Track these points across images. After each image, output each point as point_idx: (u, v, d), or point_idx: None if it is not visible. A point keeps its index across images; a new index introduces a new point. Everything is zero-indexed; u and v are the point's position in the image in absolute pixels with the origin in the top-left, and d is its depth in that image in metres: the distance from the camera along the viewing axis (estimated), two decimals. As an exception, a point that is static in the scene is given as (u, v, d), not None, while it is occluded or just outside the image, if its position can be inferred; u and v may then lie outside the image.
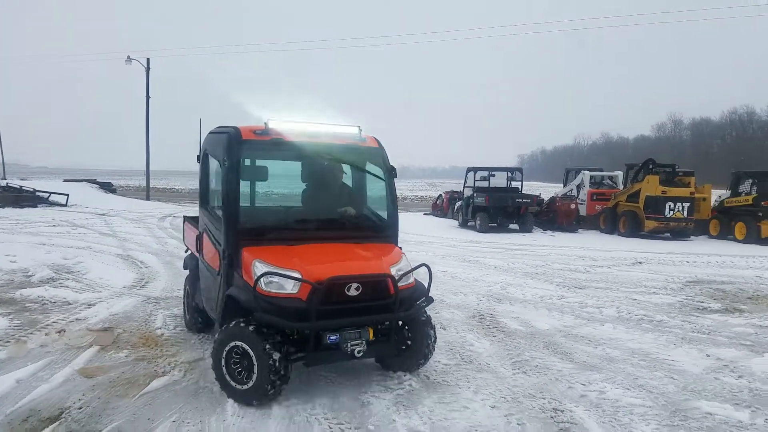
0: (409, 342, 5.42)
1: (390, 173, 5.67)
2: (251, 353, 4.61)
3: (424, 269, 5.28)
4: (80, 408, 4.64)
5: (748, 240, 18.83)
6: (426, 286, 5.35)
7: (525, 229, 20.52)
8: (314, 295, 4.55)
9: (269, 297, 4.60)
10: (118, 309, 7.83)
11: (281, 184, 6.16)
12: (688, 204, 19.28)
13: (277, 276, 4.63)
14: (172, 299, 8.52)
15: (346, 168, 5.91)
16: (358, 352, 4.73)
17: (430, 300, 5.37)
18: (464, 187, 22.52)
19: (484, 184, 21.53)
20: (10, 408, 4.59)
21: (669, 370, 5.98)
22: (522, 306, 8.67)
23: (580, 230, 21.64)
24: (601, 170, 26.39)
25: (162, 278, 10.22)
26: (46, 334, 6.56)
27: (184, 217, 7.56)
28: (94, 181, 39.66)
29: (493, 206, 20.35)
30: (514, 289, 9.89)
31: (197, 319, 6.62)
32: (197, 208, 6.37)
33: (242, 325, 4.69)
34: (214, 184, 5.73)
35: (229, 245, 4.97)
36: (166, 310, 7.84)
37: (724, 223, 20.19)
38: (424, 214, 29.05)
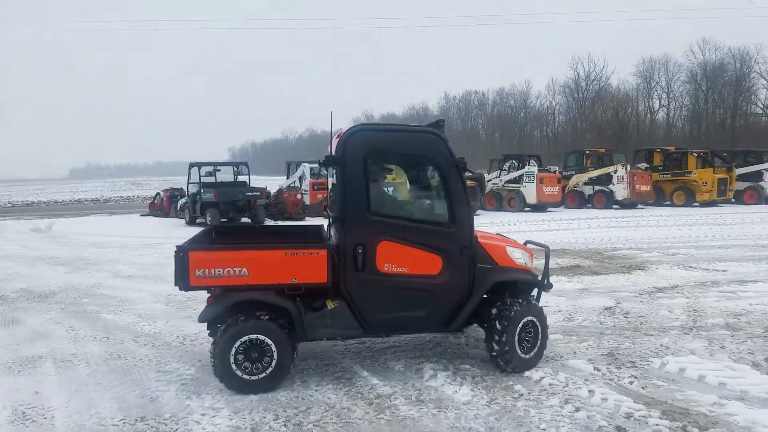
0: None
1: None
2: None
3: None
4: None
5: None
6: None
7: (257, 221, 21.19)
8: None
9: None
10: None
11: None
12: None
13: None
14: None
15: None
16: None
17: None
18: (188, 183, 22.12)
19: (211, 179, 21.57)
20: None
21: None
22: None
23: (307, 218, 23.20)
24: (318, 162, 28.44)
25: None
26: None
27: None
28: None
29: (223, 201, 20.54)
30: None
31: None
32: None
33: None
34: (398, 187, 5.67)
35: (470, 242, 5.26)
36: None
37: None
38: (142, 215, 27.25)
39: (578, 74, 69.93)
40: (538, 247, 6.12)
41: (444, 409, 4.61)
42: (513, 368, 5.33)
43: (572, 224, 18.31)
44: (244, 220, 21.50)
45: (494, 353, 5.35)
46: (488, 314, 5.38)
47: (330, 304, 5.09)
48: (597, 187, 25.03)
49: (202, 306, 5.07)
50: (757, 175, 24.89)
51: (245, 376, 4.93)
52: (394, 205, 5.60)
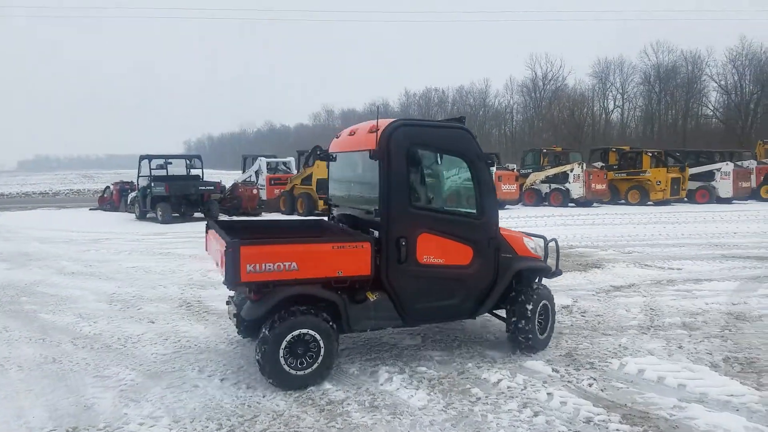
0: None
1: None
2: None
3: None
4: None
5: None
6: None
7: (210, 216, 20.61)
8: None
9: None
10: None
11: None
12: (352, 183, 21.96)
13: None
14: None
15: None
16: None
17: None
18: (138, 176, 21.37)
19: (162, 172, 20.90)
20: None
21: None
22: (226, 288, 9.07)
23: (263, 214, 22.73)
24: (275, 156, 28.01)
25: None
26: None
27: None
28: None
29: (175, 195, 19.92)
30: (215, 274, 10.19)
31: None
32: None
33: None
34: (434, 181, 5.74)
35: (496, 233, 5.63)
36: None
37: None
38: (91, 209, 26.37)
39: (536, 74, 71.00)
40: (538, 238, 6.27)
41: (399, 416, 4.39)
42: (533, 346, 5.71)
43: (529, 222, 18.38)
44: (197, 215, 20.93)
45: (519, 335, 5.69)
46: (511, 300, 5.74)
47: (371, 296, 5.20)
48: (554, 186, 25.28)
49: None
50: (709, 175, 25.54)
51: (293, 372, 4.89)
52: (432, 198, 5.68)
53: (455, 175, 5.82)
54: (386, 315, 5.22)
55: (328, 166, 6.65)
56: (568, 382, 5.03)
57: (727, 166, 25.10)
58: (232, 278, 4.69)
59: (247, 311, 5.01)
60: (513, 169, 26.65)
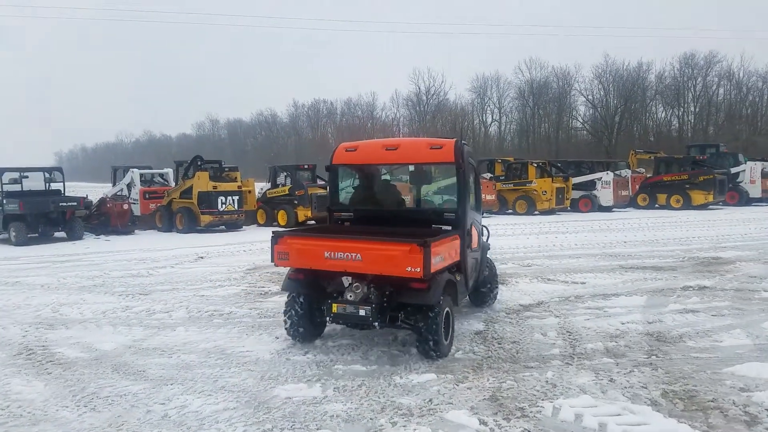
0: None
1: None
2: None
3: None
4: None
5: (289, 225, 21.19)
6: None
7: (74, 236, 18.29)
8: None
9: None
10: None
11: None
12: (237, 197, 20.48)
13: None
14: None
15: None
16: None
17: None
18: (-12, 192, 18.57)
19: (16, 187, 18.26)
20: None
21: (246, 362, 6.00)
22: (81, 327, 7.51)
23: (136, 231, 20.57)
24: (150, 168, 25.68)
25: None
26: None
27: None
28: None
29: (31, 213, 17.42)
30: (70, 309, 8.53)
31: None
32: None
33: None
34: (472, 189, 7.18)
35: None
36: None
37: (269, 212, 22.34)
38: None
39: (419, 88, 72.38)
40: None
41: None
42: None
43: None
44: (58, 234, 18.49)
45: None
46: None
47: (458, 276, 6.49)
48: (446, 197, 25.13)
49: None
50: (591, 185, 26.53)
51: (446, 342, 6.05)
52: (470, 198, 7.01)
53: (471, 182, 7.10)
54: (463, 290, 6.69)
55: (336, 177, 7.34)
56: (500, 437, 4.21)
57: (608, 176, 26.21)
58: (428, 271, 5.42)
59: (432, 297, 5.73)
60: (407, 182, 26.19)
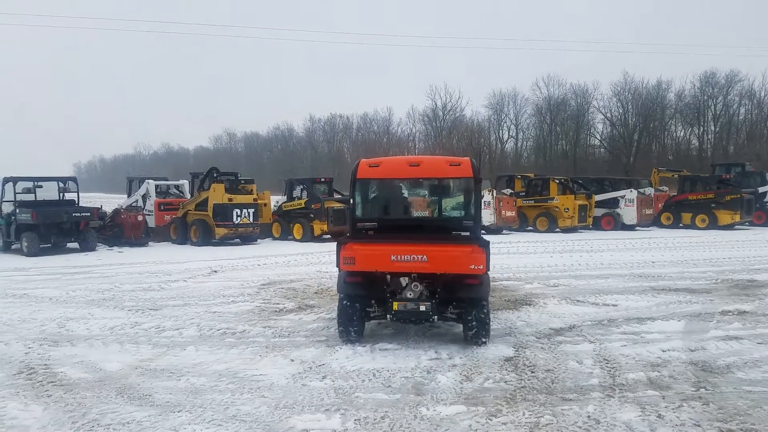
0: None
1: None
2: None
3: None
4: None
5: (305, 239, 20.88)
6: None
7: (87, 247, 18.09)
8: None
9: None
10: None
11: None
12: (253, 210, 20.17)
13: None
14: None
15: None
16: None
17: None
18: (2, 201, 18.41)
19: (30, 197, 18.12)
20: None
21: (259, 388, 5.59)
22: (87, 345, 7.15)
23: (150, 243, 20.33)
24: (166, 179, 25.52)
25: None
26: None
27: None
28: None
29: (44, 223, 17.25)
30: (76, 324, 8.19)
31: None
32: None
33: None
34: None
35: None
36: None
37: (284, 225, 22.01)
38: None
39: (436, 104, 72.22)
40: None
41: None
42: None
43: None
44: (71, 245, 18.28)
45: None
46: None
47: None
48: (464, 213, 24.66)
49: None
50: (614, 202, 25.88)
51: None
52: None
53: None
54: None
55: (361, 190, 7.67)
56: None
57: (632, 193, 25.55)
58: (488, 268, 6.51)
59: (483, 292, 6.64)
60: (424, 196, 25.77)
